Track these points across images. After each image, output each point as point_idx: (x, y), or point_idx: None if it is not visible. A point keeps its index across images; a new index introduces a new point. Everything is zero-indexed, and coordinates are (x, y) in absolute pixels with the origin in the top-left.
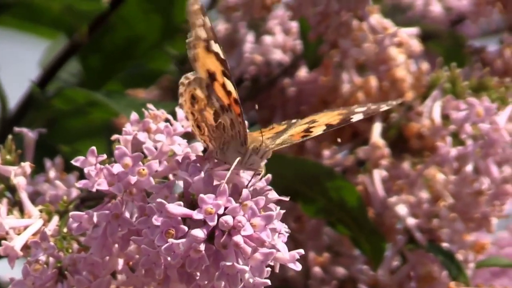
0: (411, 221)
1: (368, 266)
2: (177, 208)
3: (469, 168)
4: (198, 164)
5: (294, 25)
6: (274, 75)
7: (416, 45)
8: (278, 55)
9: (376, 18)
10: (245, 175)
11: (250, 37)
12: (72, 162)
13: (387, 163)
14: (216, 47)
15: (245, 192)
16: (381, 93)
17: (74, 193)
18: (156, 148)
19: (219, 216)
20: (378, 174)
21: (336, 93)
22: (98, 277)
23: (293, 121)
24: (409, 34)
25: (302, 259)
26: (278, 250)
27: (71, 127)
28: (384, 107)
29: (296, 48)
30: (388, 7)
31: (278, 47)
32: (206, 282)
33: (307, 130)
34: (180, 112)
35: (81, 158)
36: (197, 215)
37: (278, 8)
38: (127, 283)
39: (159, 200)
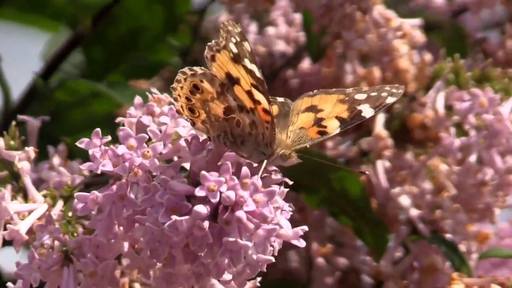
0: (414, 212)
1: (371, 257)
2: (180, 185)
3: (472, 158)
4: (201, 143)
5: (297, 17)
6: (277, 66)
7: (419, 36)
8: (281, 46)
9: (379, 9)
10: None
11: (253, 28)
12: (77, 143)
13: (390, 154)
14: (251, 66)
15: (244, 170)
16: (384, 84)
17: (78, 179)
18: (160, 131)
19: (221, 193)
20: (382, 165)
21: (339, 84)
22: (104, 260)
23: (280, 99)
24: (412, 25)
25: (305, 251)
26: (281, 227)
27: (73, 119)
28: (389, 99)
29: (299, 40)
30: None
31: (281, 38)
32: (209, 260)
33: (319, 124)
34: None
35: (86, 140)
36: (199, 192)
37: None
38: (132, 266)
39: (162, 177)
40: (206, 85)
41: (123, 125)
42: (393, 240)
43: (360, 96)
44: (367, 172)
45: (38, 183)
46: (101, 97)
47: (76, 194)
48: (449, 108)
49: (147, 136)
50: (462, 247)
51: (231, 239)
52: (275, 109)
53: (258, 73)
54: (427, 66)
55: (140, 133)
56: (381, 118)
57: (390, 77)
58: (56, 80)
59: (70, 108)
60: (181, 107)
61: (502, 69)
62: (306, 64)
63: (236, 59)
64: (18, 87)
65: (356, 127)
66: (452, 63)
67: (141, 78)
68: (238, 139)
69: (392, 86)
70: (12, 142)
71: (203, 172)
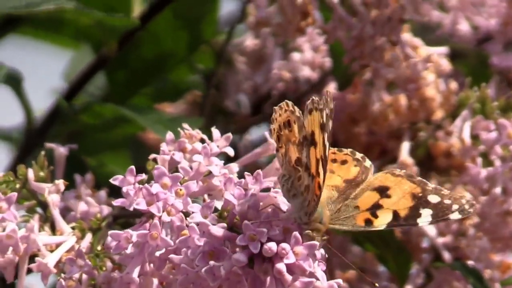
0: (438, 240)
1: (392, 283)
2: (220, 231)
3: (498, 189)
4: (243, 187)
5: (322, 42)
6: (301, 91)
7: (446, 65)
8: (306, 72)
9: (406, 37)
10: None
11: (278, 54)
12: (111, 180)
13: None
14: (327, 143)
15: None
16: (410, 112)
17: (106, 210)
18: (191, 168)
19: (263, 244)
20: None
21: (366, 111)
22: None
23: (367, 164)
24: (438, 54)
25: (329, 276)
26: (317, 279)
27: (96, 139)
28: (454, 215)
29: (324, 65)
30: (418, 26)
31: (306, 64)
32: None
33: (373, 212)
34: (216, 133)
35: (120, 177)
36: (240, 241)
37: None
38: None
39: (202, 220)
40: (295, 128)
41: (155, 161)
42: (415, 267)
43: (433, 199)
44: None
45: (65, 212)
46: (126, 120)
47: (110, 232)
48: (474, 137)
49: (182, 176)
50: (485, 275)
51: None
52: (355, 171)
53: (327, 151)
54: (453, 95)
55: (170, 168)
56: (406, 146)
57: (416, 105)
58: (81, 103)
59: (94, 129)
60: (273, 130)
61: None
62: (331, 89)
63: (322, 128)
64: (36, 103)
65: (381, 153)
66: (478, 92)
67: (165, 101)
68: (292, 191)
69: (469, 201)
70: (41, 173)
71: (246, 222)
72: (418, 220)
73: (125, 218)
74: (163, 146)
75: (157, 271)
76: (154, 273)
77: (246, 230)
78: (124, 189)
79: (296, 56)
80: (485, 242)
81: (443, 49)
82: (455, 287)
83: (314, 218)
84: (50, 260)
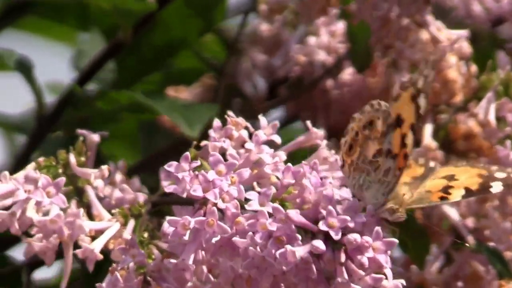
0: (459, 221)
1: (406, 268)
2: (298, 216)
3: None
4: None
5: (339, 27)
6: (316, 76)
7: (466, 47)
8: (322, 56)
9: (430, 20)
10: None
11: (296, 37)
12: (165, 167)
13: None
14: (422, 102)
15: (370, 208)
16: (433, 94)
17: (140, 197)
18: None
19: (345, 234)
20: None
21: (387, 94)
22: (185, 284)
23: (432, 164)
24: (459, 36)
25: None
26: (385, 277)
27: (107, 127)
28: None
29: (339, 50)
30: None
31: (322, 48)
32: None
33: (446, 190)
34: (263, 120)
35: (174, 163)
36: (322, 226)
37: None
38: None
39: (275, 205)
40: (379, 123)
41: (196, 147)
42: (436, 249)
43: (500, 175)
44: None
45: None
46: (137, 108)
47: (168, 219)
48: (498, 119)
49: (236, 163)
50: (506, 256)
51: (343, 280)
52: (421, 170)
53: (422, 109)
54: (473, 77)
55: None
56: (429, 129)
57: (438, 88)
58: (96, 89)
59: (106, 116)
60: (345, 142)
61: None
62: (346, 74)
63: (415, 96)
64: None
65: None
66: (503, 75)
67: (180, 84)
68: (365, 184)
69: None
70: (82, 158)
71: (330, 208)
72: (491, 189)
73: (163, 206)
74: (212, 133)
75: (212, 257)
76: (204, 260)
77: (328, 216)
78: (179, 176)
79: (312, 40)
80: (507, 224)
81: (464, 32)
82: (476, 268)
83: (391, 197)
84: (96, 246)
